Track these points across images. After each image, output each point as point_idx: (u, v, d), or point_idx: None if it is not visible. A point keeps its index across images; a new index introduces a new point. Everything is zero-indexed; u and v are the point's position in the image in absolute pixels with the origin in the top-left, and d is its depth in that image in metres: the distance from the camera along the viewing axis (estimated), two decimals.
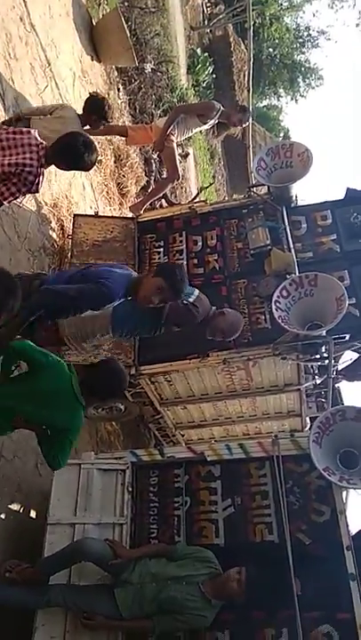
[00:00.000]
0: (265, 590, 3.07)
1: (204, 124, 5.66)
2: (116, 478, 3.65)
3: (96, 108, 4.29)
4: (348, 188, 4.78)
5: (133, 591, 3.09)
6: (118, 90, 7.64)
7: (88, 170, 2.83)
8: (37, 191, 2.75)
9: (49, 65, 5.38)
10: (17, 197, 2.69)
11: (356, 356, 4.65)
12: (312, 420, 4.96)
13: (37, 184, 2.67)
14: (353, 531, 3.36)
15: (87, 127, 4.33)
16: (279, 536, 3.36)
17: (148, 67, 8.32)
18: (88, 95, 4.70)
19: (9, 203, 2.74)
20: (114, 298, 2.70)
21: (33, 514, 3.84)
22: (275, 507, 3.48)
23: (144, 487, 3.72)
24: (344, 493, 3.46)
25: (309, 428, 4.45)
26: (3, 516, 3.51)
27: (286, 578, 3.13)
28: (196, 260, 4.88)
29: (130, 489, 3.60)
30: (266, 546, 3.38)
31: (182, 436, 5.66)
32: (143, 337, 3.97)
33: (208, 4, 17.69)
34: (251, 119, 6.50)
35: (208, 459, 3.70)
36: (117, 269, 2.88)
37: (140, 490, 3.70)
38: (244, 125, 6.03)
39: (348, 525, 3.32)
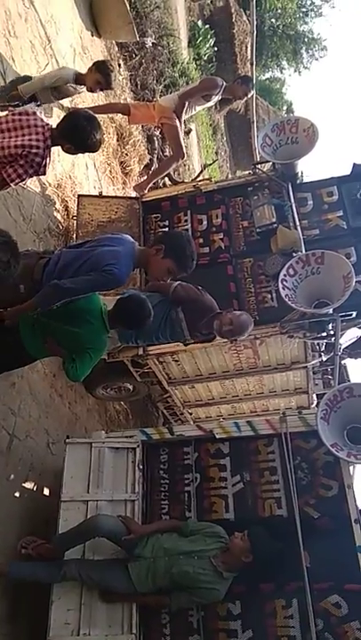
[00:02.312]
0: (274, 560, 3.16)
1: (208, 101, 5.61)
2: (126, 456, 3.71)
3: (104, 68, 4.37)
4: (354, 164, 4.72)
5: (146, 565, 3.17)
6: (119, 65, 7.50)
7: (94, 150, 2.81)
8: (44, 173, 2.73)
9: (49, 42, 5.28)
10: (24, 179, 2.68)
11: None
12: (319, 397, 5.01)
13: (44, 166, 2.65)
14: None
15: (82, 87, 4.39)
16: (288, 510, 3.43)
17: (149, 41, 8.15)
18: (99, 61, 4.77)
19: (16, 185, 2.73)
20: (123, 282, 2.72)
21: (46, 492, 3.93)
22: (283, 482, 3.54)
23: (154, 465, 3.79)
24: (351, 468, 3.52)
25: (317, 405, 4.50)
26: (17, 495, 3.59)
27: (295, 551, 3.21)
28: (201, 240, 4.85)
29: (140, 466, 3.67)
30: (275, 520, 3.45)
31: (190, 414, 5.72)
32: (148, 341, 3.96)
33: None
34: (254, 92, 6.38)
35: (217, 436, 3.76)
36: (121, 246, 2.79)
37: (151, 467, 3.78)
38: (248, 96, 5.95)
39: (355, 499, 3.39)
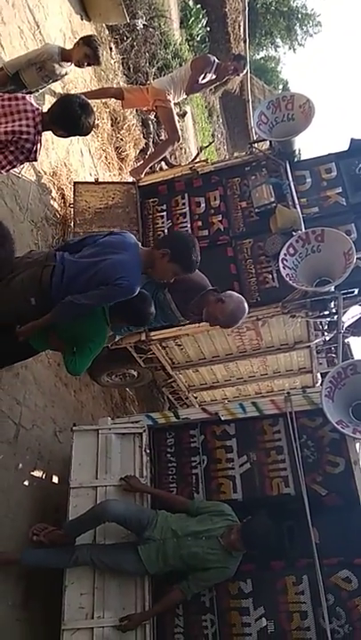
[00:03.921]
0: (272, 549, 3.21)
1: (204, 79, 5.55)
2: (133, 441, 3.73)
3: (92, 42, 4.26)
4: (352, 139, 4.65)
5: (156, 547, 3.21)
6: (110, 49, 7.39)
7: (86, 134, 2.77)
8: (35, 159, 2.70)
9: (38, 27, 5.20)
10: (15, 166, 2.65)
11: None
12: (323, 375, 5.00)
13: (35, 152, 2.62)
14: None
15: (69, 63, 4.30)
16: (295, 488, 3.45)
17: (140, 23, 8.00)
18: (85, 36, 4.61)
19: (7, 172, 2.70)
20: (134, 292, 2.72)
21: (55, 479, 3.96)
22: (290, 461, 3.56)
23: (161, 449, 3.81)
24: (358, 445, 3.53)
25: (321, 384, 4.49)
26: (26, 483, 3.62)
27: (304, 528, 3.23)
28: (200, 223, 4.81)
29: (147, 451, 3.69)
30: (283, 498, 3.47)
31: (195, 398, 5.73)
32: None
33: None
34: (248, 71, 6.34)
35: (222, 418, 3.77)
36: (127, 253, 2.77)
37: (158, 451, 3.80)
38: (241, 74, 5.88)
39: None
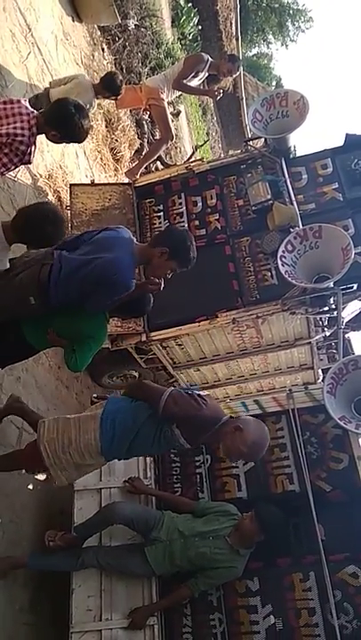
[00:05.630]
0: (287, 533, 3.23)
1: (195, 77, 5.53)
2: None
3: (113, 87, 4.81)
4: (347, 134, 4.65)
5: (163, 547, 3.20)
6: (103, 50, 7.38)
7: (81, 140, 2.76)
8: (30, 162, 2.69)
9: (30, 30, 5.19)
10: (9, 168, 2.64)
11: None
12: (324, 371, 5.00)
13: (29, 154, 2.62)
14: None
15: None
16: (300, 485, 3.46)
17: (132, 23, 7.99)
18: (108, 72, 5.20)
19: (1, 174, 2.70)
20: (130, 287, 2.71)
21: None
22: (294, 458, 3.56)
23: None
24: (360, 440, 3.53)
25: (322, 380, 4.50)
26: (30, 487, 3.62)
27: (310, 524, 3.23)
28: (197, 222, 4.80)
29: None
30: (288, 496, 3.47)
31: None
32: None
33: None
34: (241, 69, 6.33)
35: None
36: (121, 250, 2.74)
37: None
38: (234, 75, 5.89)
39: None
